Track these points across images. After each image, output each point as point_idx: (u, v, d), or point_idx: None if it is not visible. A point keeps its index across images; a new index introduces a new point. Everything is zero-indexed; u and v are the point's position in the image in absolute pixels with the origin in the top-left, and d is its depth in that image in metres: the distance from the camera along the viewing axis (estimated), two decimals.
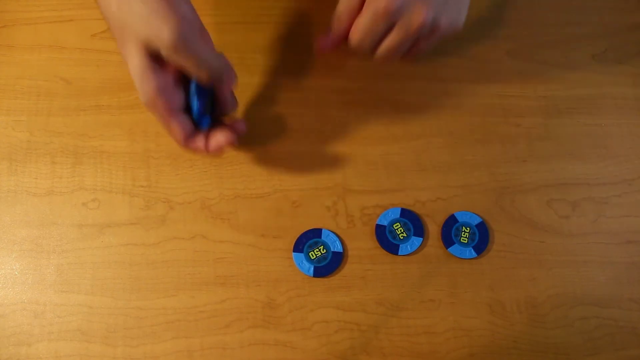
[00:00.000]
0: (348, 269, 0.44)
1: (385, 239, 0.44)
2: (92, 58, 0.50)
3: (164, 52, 0.35)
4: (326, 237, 0.44)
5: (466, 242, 0.44)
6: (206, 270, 0.44)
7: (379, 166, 0.47)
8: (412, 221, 0.45)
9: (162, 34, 0.34)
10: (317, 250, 0.44)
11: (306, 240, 0.44)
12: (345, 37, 0.42)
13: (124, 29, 0.36)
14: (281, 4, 0.52)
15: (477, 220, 0.45)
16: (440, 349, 0.42)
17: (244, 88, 0.49)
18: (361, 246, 0.45)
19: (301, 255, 0.44)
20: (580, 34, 0.52)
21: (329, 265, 0.44)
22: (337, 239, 0.44)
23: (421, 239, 0.45)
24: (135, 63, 0.36)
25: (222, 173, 0.46)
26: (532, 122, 0.49)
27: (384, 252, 0.44)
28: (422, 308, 0.43)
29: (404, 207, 0.46)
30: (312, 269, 0.43)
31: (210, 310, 0.43)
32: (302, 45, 0.51)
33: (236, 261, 0.44)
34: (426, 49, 0.43)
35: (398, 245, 0.44)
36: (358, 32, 0.41)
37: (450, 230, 0.45)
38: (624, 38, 0.52)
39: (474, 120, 0.49)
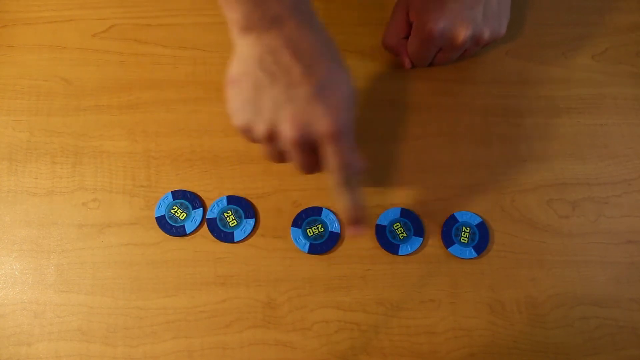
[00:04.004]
0: (348, 269, 0.44)
1: (385, 239, 0.44)
2: (92, 58, 0.50)
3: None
4: (326, 216, 0.45)
5: (466, 242, 0.44)
6: (206, 270, 0.44)
7: (379, 166, 0.47)
8: (412, 221, 0.45)
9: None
10: (315, 227, 0.44)
11: (306, 217, 0.44)
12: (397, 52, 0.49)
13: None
14: None
15: (477, 220, 0.45)
16: (440, 349, 0.42)
17: None
18: (361, 246, 0.45)
19: (299, 230, 0.44)
20: (580, 34, 0.52)
21: (325, 243, 0.44)
22: (336, 220, 0.44)
23: (421, 239, 0.45)
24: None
25: (222, 173, 0.46)
26: (532, 122, 0.49)
27: (384, 252, 0.44)
28: (422, 308, 0.43)
29: (404, 207, 0.46)
30: (307, 245, 0.44)
31: (210, 310, 0.43)
32: None
33: (236, 261, 0.44)
34: (475, 53, 0.50)
35: (398, 245, 0.44)
36: (412, 56, 0.48)
37: (450, 230, 0.45)
38: (624, 38, 0.52)
39: (474, 120, 0.49)
